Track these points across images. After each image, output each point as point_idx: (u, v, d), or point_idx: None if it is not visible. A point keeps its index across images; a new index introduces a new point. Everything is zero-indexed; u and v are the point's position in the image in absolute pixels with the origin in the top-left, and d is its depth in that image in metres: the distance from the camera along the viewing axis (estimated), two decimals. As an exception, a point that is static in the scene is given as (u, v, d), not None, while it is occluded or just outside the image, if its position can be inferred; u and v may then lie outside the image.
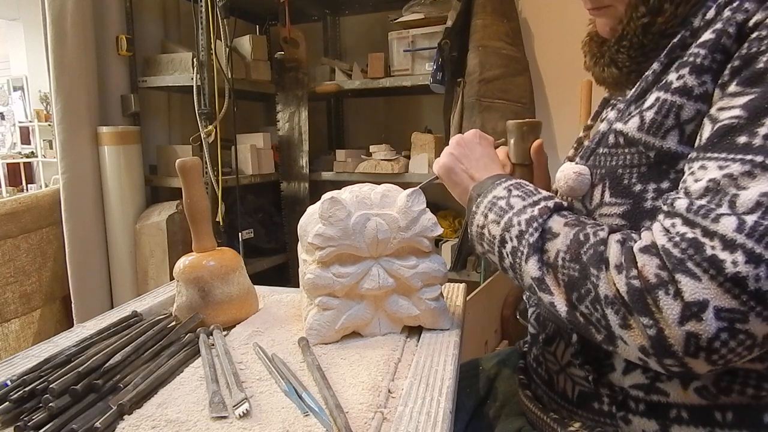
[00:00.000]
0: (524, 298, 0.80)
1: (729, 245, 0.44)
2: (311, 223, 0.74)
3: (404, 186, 0.78)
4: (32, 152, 6.05)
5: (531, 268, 0.56)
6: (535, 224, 0.57)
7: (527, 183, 0.65)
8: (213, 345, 0.71)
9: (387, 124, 2.60)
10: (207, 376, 0.62)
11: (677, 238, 0.47)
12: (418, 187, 0.74)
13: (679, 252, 0.46)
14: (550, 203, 0.60)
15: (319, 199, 0.71)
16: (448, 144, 0.78)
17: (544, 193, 0.62)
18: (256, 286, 0.91)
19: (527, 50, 2.11)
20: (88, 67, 1.88)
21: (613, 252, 0.51)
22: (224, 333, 0.75)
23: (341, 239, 0.70)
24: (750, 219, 0.44)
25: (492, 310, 1.92)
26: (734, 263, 0.44)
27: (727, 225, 0.45)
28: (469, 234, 0.68)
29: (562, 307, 0.54)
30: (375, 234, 0.70)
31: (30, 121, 6.01)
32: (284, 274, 2.42)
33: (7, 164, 5.99)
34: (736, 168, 0.47)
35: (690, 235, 0.47)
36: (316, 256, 0.70)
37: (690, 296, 0.45)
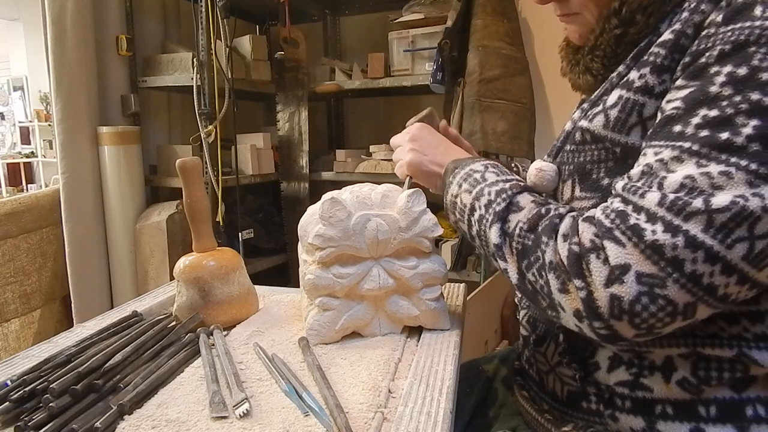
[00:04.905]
0: (515, 300, 0.81)
1: (651, 217, 0.49)
2: (311, 223, 0.74)
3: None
4: (32, 152, 6.05)
5: (493, 235, 0.60)
6: (504, 195, 0.61)
7: (504, 167, 0.68)
8: (213, 345, 0.71)
9: (387, 124, 2.60)
10: (207, 376, 0.62)
11: (608, 211, 0.52)
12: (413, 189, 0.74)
13: (609, 222, 0.51)
14: (523, 183, 0.64)
15: (319, 199, 0.71)
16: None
17: (519, 177, 0.66)
18: (256, 286, 0.91)
19: (527, 50, 2.11)
20: (88, 67, 1.88)
21: (565, 224, 0.55)
22: (224, 333, 0.75)
23: (341, 240, 0.70)
24: (672, 195, 0.48)
25: (492, 310, 1.92)
26: (653, 232, 0.48)
27: (651, 199, 0.49)
28: (444, 203, 0.71)
29: (513, 274, 0.59)
30: (375, 234, 0.70)
31: (30, 121, 6.00)
32: (284, 274, 2.42)
33: (7, 164, 5.98)
34: (667, 153, 0.51)
35: (621, 208, 0.51)
36: (317, 256, 0.70)
37: (614, 260, 0.49)
